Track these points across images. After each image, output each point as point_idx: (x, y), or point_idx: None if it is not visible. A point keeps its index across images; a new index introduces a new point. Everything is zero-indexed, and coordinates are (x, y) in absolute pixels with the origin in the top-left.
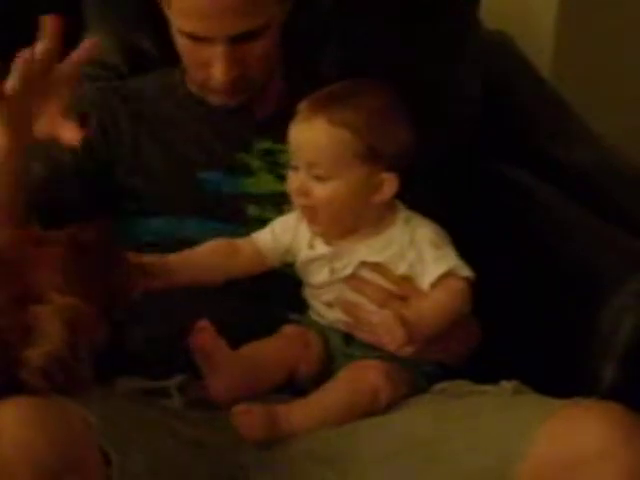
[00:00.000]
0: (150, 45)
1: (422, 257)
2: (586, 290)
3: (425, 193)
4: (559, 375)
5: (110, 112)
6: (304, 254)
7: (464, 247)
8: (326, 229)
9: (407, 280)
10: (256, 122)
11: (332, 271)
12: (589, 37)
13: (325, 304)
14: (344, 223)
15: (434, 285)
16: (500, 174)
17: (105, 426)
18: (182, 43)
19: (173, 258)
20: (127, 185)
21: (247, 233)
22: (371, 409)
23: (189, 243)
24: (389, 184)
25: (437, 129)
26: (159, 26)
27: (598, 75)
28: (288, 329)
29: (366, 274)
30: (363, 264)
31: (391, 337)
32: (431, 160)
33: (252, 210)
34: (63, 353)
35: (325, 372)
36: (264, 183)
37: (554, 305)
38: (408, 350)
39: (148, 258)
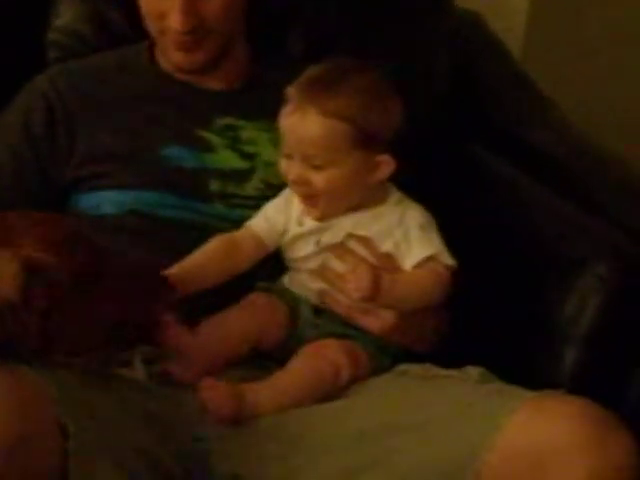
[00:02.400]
0: (120, 16)
1: (408, 238)
2: (550, 272)
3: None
4: (523, 359)
5: (61, 102)
6: (292, 231)
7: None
8: (324, 212)
9: (390, 258)
10: (217, 97)
11: (319, 243)
12: (560, 17)
13: (307, 273)
14: (343, 205)
15: (416, 267)
16: (465, 154)
17: (62, 396)
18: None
19: (184, 270)
20: (85, 170)
21: (207, 208)
22: (333, 387)
23: (150, 216)
24: (385, 165)
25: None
26: None
27: (568, 55)
28: (254, 297)
29: (352, 245)
30: (350, 236)
31: (357, 284)
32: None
33: (214, 185)
34: (13, 297)
35: (291, 342)
36: (225, 159)
37: (518, 288)
38: (366, 303)
39: (169, 273)
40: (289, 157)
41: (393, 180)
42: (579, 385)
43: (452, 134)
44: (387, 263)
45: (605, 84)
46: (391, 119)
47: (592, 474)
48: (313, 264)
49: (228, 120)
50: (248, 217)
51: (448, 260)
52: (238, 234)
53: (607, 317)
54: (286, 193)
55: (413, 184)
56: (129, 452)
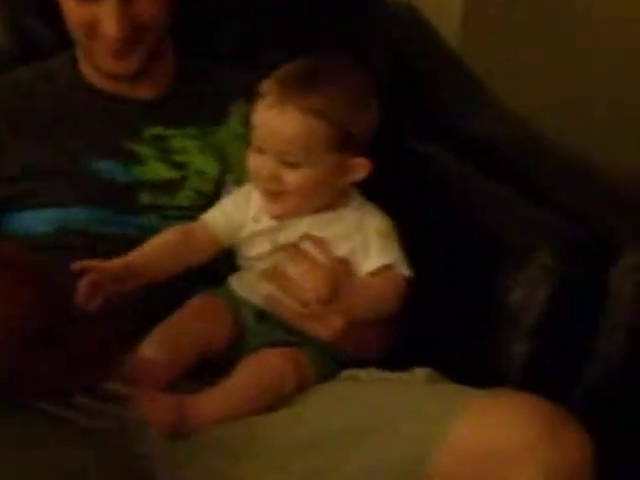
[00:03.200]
0: (44, 28)
1: (366, 244)
2: (498, 264)
3: None
4: (472, 353)
5: None
6: (248, 228)
7: None
8: (288, 211)
9: (344, 263)
10: (145, 107)
11: (274, 242)
12: (497, 6)
13: (256, 274)
14: (308, 206)
15: (373, 274)
16: (405, 148)
17: None
18: (68, 7)
19: (134, 259)
20: (11, 189)
21: (139, 221)
22: (278, 396)
23: (82, 232)
24: (361, 168)
25: None
26: (54, 8)
27: (506, 44)
28: (196, 301)
29: (307, 247)
30: (306, 237)
31: (315, 284)
32: None
33: (144, 198)
34: None
35: (236, 350)
36: (155, 170)
37: (465, 280)
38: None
39: (114, 263)
40: (261, 151)
41: None
42: (529, 378)
43: (390, 128)
44: (341, 268)
45: (540, 72)
46: (371, 120)
47: (546, 472)
48: (265, 265)
49: (157, 130)
50: None
51: (405, 270)
52: (194, 226)
53: (554, 308)
54: (245, 189)
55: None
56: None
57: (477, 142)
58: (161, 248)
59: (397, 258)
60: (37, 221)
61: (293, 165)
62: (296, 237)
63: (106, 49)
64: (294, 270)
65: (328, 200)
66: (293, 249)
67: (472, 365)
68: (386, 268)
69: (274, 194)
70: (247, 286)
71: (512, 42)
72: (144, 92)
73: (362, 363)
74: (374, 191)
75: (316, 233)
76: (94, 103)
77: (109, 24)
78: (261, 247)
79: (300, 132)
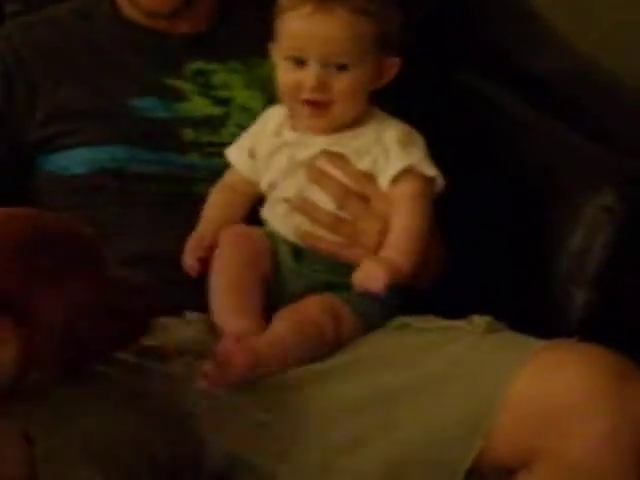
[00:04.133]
0: None
1: (387, 154)
2: (554, 205)
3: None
4: (529, 303)
5: (19, 61)
6: (267, 144)
7: None
8: (333, 122)
9: (368, 178)
10: (186, 41)
11: (291, 158)
12: None
13: (282, 205)
14: (351, 115)
15: (394, 181)
16: (459, 82)
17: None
18: None
19: (206, 231)
20: (50, 129)
21: (181, 159)
22: (320, 346)
23: (124, 172)
24: (393, 68)
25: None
26: None
27: None
28: (227, 233)
29: (326, 166)
30: (324, 152)
31: (374, 281)
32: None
33: (187, 135)
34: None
35: (275, 287)
36: (199, 107)
37: (519, 224)
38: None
39: (194, 245)
40: (301, 63)
41: (380, 100)
42: (590, 329)
43: (442, 60)
44: (364, 181)
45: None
46: (399, 20)
47: (612, 425)
48: (288, 189)
49: (199, 64)
50: (225, 165)
51: (428, 170)
52: (230, 180)
53: (616, 253)
54: (263, 118)
55: (402, 113)
56: (115, 447)
57: (536, 79)
58: (220, 213)
59: (415, 160)
60: (73, 161)
61: (341, 68)
62: (315, 153)
63: None
64: (315, 191)
65: (364, 107)
66: (313, 172)
67: (531, 313)
68: (407, 171)
69: (321, 106)
70: (278, 220)
71: None
72: (185, 27)
73: (417, 308)
74: (419, 122)
75: (335, 148)
76: (132, 39)
77: None
78: (280, 163)
79: (350, 31)
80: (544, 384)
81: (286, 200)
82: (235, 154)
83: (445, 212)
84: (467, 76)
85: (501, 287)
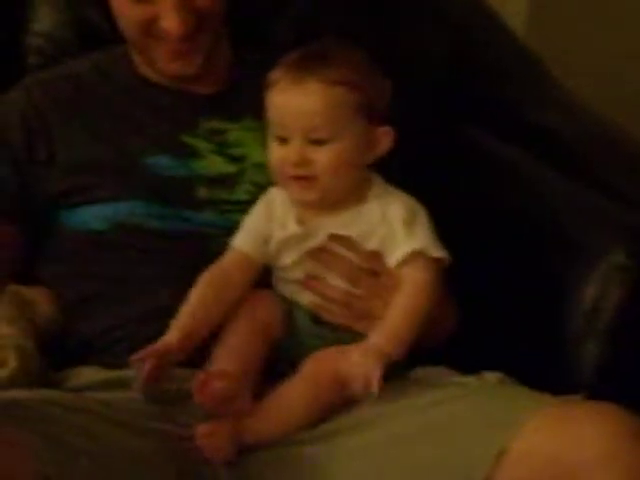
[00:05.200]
0: (101, 19)
1: (393, 234)
2: (566, 263)
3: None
4: (542, 358)
5: (39, 114)
6: (277, 236)
7: (438, 221)
8: (322, 195)
9: (377, 256)
10: (201, 101)
11: (301, 251)
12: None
13: (294, 284)
14: (340, 187)
15: (401, 264)
16: (466, 139)
17: (47, 446)
18: (123, 7)
19: (184, 325)
20: (67, 184)
21: (197, 217)
22: (338, 399)
23: (137, 228)
24: (385, 138)
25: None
26: None
27: (574, 35)
28: (250, 302)
29: (335, 248)
30: (332, 237)
31: (366, 383)
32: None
33: (202, 192)
34: None
35: (291, 346)
36: (213, 165)
37: (531, 281)
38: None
39: (169, 341)
40: (284, 141)
41: (387, 168)
42: (602, 381)
43: (451, 117)
44: (374, 262)
45: (615, 61)
46: (386, 89)
47: None
48: (299, 273)
49: (214, 124)
50: (239, 222)
51: (436, 252)
52: (225, 261)
53: (629, 308)
54: (266, 198)
55: (411, 174)
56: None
57: (544, 135)
58: (202, 304)
59: (424, 243)
60: (92, 217)
61: (322, 142)
62: (322, 238)
63: (167, 50)
64: (328, 274)
65: (357, 181)
66: (323, 252)
67: (543, 368)
68: (415, 255)
69: (305, 180)
70: (293, 296)
71: (581, 31)
72: (202, 88)
73: (430, 360)
74: (427, 183)
75: (343, 232)
76: (149, 98)
77: (172, 16)
78: (291, 256)
79: (325, 104)
80: (556, 437)
81: (296, 282)
82: (248, 240)
83: (456, 270)
84: (474, 132)
85: (513, 344)
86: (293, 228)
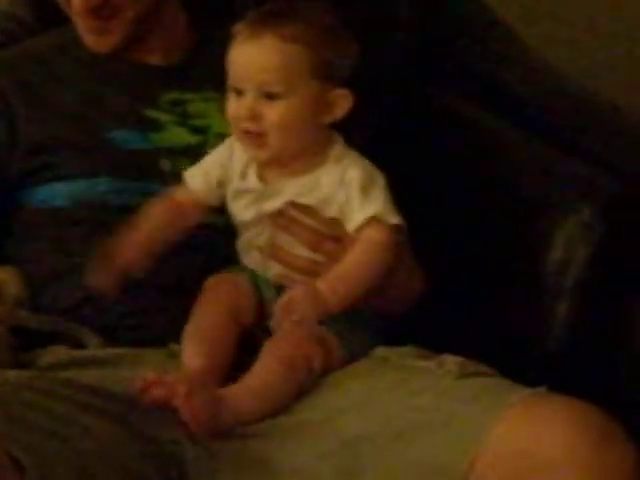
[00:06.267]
0: None
1: (350, 200)
2: (532, 221)
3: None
4: (510, 319)
5: None
6: (235, 184)
7: (402, 184)
8: (273, 153)
9: (336, 223)
10: (160, 72)
11: (259, 210)
12: None
13: (258, 252)
14: (292, 146)
15: (358, 230)
16: (430, 98)
17: (16, 429)
18: None
19: (139, 240)
20: (30, 162)
21: (162, 188)
22: (306, 379)
23: (103, 205)
24: (342, 101)
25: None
26: None
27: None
28: (213, 281)
29: (295, 214)
30: (292, 205)
31: (300, 313)
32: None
33: (165, 165)
34: None
35: (262, 322)
36: (176, 136)
37: (497, 241)
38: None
39: (125, 256)
40: (239, 93)
41: (348, 131)
42: (570, 341)
43: (414, 78)
44: (335, 228)
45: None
46: (349, 51)
47: None
48: (259, 237)
49: (174, 95)
50: None
51: (392, 219)
52: (178, 196)
53: (595, 267)
54: (229, 142)
55: (374, 136)
56: (106, 474)
57: (512, 93)
58: (155, 230)
59: (379, 209)
60: (55, 195)
61: (274, 97)
62: (280, 204)
63: (81, 26)
64: (290, 242)
65: (310, 141)
66: (283, 218)
67: (512, 330)
68: (371, 221)
69: (256, 136)
70: (257, 266)
71: None
72: (156, 58)
73: (397, 337)
74: (394, 143)
75: (301, 200)
76: (109, 73)
77: None
78: (248, 212)
79: (279, 59)
80: (522, 435)
81: (259, 249)
82: (199, 179)
83: (424, 233)
84: (439, 92)
85: (480, 304)
86: (253, 182)
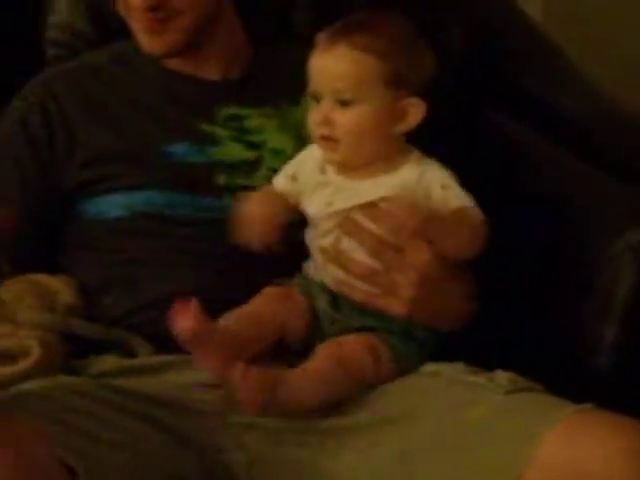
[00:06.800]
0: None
1: (429, 198)
2: (582, 245)
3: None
4: (559, 342)
5: (58, 106)
6: (315, 177)
7: None
8: (345, 158)
9: (402, 230)
10: (217, 87)
11: (329, 205)
12: None
13: (321, 252)
14: (364, 153)
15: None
16: (487, 121)
17: (69, 435)
18: None
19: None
20: (89, 174)
21: (218, 203)
22: (357, 385)
23: (159, 216)
24: (415, 110)
25: None
26: None
27: (588, 19)
28: (269, 290)
29: (360, 218)
30: (363, 206)
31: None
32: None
33: (222, 179)
34: None
35: (313, 338)
36: (232, 151)
37: (547, 263)
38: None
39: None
40: (317, 99)
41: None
42: (619, 365)
43: (469, 102)
44: (398, 229)
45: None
46: (424, 65)
47: None
48: (324, 238)
49: (231, 110)
50: None
51: (481, 215)
52: (270, 189)
53: None
54: (309, 148)
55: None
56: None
57: (563, 118)
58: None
59: (467, 201)
60: (111, 206)
61: (347, 103)
62: (352, 202)
63: (137, 23)
64: (352, 246)
65: (384, 149)
66: (348, 225)
67: (561, 348)
68: (464, 209)
69: (328, 141)
70: (318, 269)
71: (597, 15)
72: (214, 74)
73: (448, 353)
74: (448, 163)
75: (375, 194)
76: (167, 86)
77: None
78: (319, 203)
79: (351, 67)
80: (566, 452)
81: (322, 251)
82: (281, 179)
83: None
84: (490, 116)
85: (532, 322)
86: (331, 176)
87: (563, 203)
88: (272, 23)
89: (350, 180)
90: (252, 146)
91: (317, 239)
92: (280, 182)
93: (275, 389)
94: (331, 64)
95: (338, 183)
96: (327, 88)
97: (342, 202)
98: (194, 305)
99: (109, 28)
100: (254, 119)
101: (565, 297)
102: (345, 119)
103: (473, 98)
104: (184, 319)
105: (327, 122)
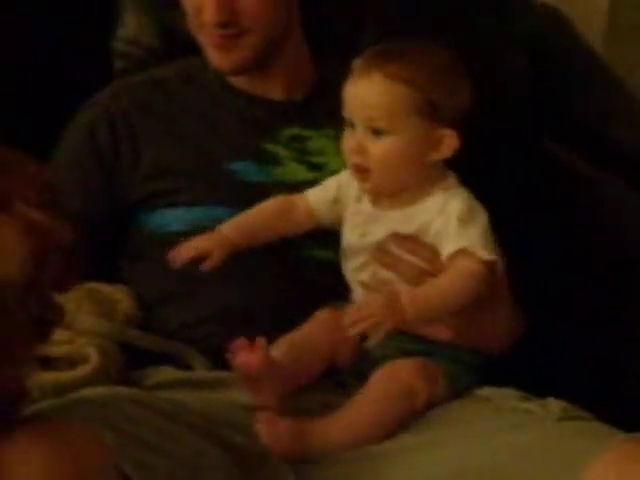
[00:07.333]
0: (186, 25)
1: (447, 229)
2: (636, 278)
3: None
4: (613, 377)
5: (125, 119)
6: (351, 206)
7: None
8: (376, 187)
9: (434, 251)
10: (281, 107)
11: (362, 236)
12: None
13: (362, 287)
14: (395, 182)
15: (449, 259)
16: (545, 153)
17: (125, 444)
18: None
19: (239, 225)
20: (151, 187)
21: None
22: (409, 411)
23: None
24: (449, 141)
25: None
26: None
27: None
28: (320, 314)
29: (395, 249)
30: (394, 236)
31: (378, 317)
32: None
33: None
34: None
35: (362, 362)
36: (294, 172)
37: (602, 294)
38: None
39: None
40: (352, 127)
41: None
42: None
43: (530, 132)
44: (433, 258)
45: None
46: (458, 96)
47: None
48: (362, 272)
49: (295, 130)
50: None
51: (485, 254)
52: (295, 198)
53: None
54: (348, 173)
55: (486, 185)
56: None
57: (623, 152)
58: (260, 219)
59: (473, 242)
60: (172, 219)
61: (380, 133)
62: (385, 233)
63: (208, 39)
64: (387, 275)
65: (415, 178)
66: (382, 254)
67: (610, 376)
68: (461, 253)
69: (361, 170)
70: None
71: None
72: (278, 93)
73: (498, 377)
74: (504, 192)
75: (403, 228)
76: (232, 105)
77: (208, 7)
78: (356, 236)
79: (384, 96)
80: (622, 476)
81: (363, 285)
82: (317, 191)
83: (529, 282)
84: (552, 146)
85: (581, 363)
86: (366, 205)
87: (626, 238)
88: (338, 45)
89: (381, 210)
90: (313, 167)
91: (355, 272)
92: (314, 193)
93: (303, 440)
94: (365, 92)
95: (370, 212)
96: (360, 116)
97: (376, 230)
98: (260, 343)
99: (177, 43)
100: (316, 140)
101: (617, 325)
102: (378, 149)
103: (536, 125)
104: (248, 355)
105: (360, 150)
